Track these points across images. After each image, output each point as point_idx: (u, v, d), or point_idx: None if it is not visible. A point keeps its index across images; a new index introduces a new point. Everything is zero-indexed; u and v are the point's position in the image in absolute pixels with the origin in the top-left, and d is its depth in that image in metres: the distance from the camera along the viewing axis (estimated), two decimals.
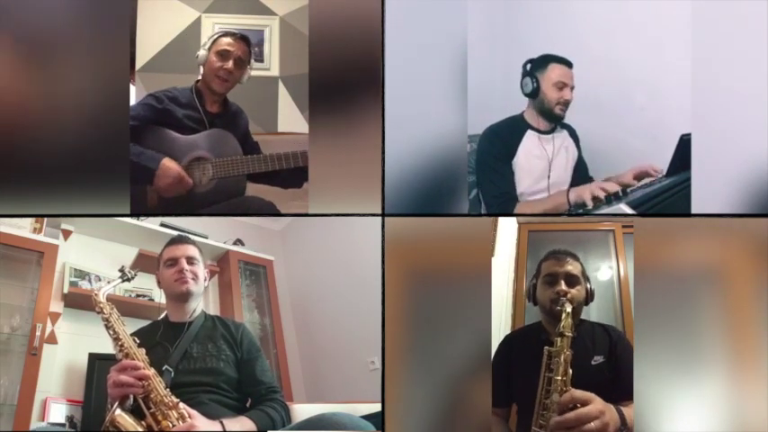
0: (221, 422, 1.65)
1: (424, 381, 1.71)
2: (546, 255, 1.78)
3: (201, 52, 1.82)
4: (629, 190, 1.80)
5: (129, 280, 1.82)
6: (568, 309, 1.67)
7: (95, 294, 1.74)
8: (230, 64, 1.82)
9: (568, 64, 1.82)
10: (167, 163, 1.78)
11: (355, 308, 1.91)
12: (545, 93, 1.83)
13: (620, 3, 1.81)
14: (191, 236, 1.91)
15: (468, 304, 1.72)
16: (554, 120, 1.86)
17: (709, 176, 1.73)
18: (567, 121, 1.87)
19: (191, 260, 1.84)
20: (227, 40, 1.82)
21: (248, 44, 1.83)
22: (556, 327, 1.68)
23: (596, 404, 1.56)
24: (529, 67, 1.82)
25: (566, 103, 1.84)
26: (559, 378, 1.61)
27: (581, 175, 1.86)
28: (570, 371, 1.62)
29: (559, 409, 1.59)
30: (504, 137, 1.85)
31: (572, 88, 1.83)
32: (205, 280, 1.88)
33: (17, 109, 1.73)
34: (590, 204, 1.77)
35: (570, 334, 1.65)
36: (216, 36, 1.82)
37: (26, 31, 1.73)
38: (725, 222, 1.72)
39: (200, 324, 1.82)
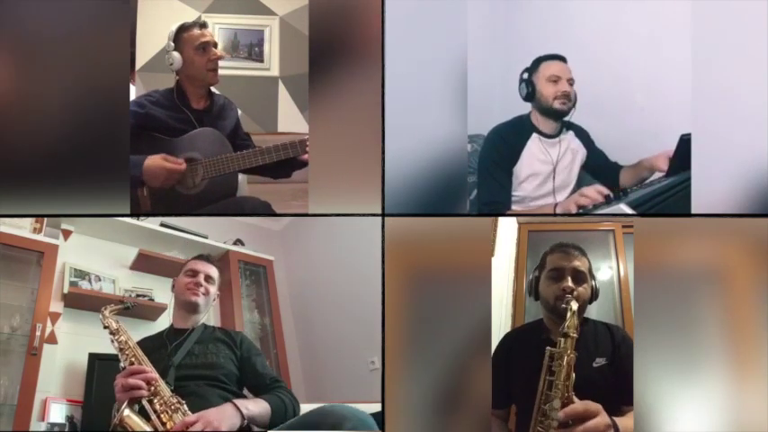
0: (234, 403, 1.65)
1: (424, 381, 1.71)
2: (552, 247, 1.74)
3: (175, 55, 1.78)
4: (629, 189, 1.80)
5: (128, 308, 1.87)
6: (574, 307, 1.61)
7: (103, 311, 1.79)
8: (216, 52, 1.80)
9: (561, 59, 1.81)
10: (149, 163, 1.76)
11: (355, 308, 1.91)
12: (540, 91, 1.82)
13: (619, 3, 1.81)
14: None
15: (468, 304, 1.71)
16: (558, 116, 1.84)
17: (710, 176, 1.73)
18: (566, 119, 1.87)
19: (208, 278, 1.92)
20: (196, 32, 1.80)
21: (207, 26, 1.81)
22: (559, 325, 1.65)
23: (603, 417, 1.50)
24: (525, 75, 1.82)
25: (565, 96, 1.81)
26: (561, 383, 1.56)
27: (600, 163, 1.86)
28: (573, 375, 1.57)
29: (561, 423, 1.52)
30: (509, 140, 1.84)
31: (570, 82, 1.81)
32: (214, 300, 1.95)
33: (17, 109, 1.73)
34: (575, 210, 1.77)
35: (575, 335, 1.59)
36: (178, 34, 1.79)
37: (26, 31, 1.73)
38: (725, 222, 1.72)
39: (201, 330, 1.88)
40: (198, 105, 1.84)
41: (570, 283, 1.67)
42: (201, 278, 1.90)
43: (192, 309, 1.88)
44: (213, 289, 1.93)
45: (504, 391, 1.70)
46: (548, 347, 1.61)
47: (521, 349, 1.71)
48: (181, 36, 1.79)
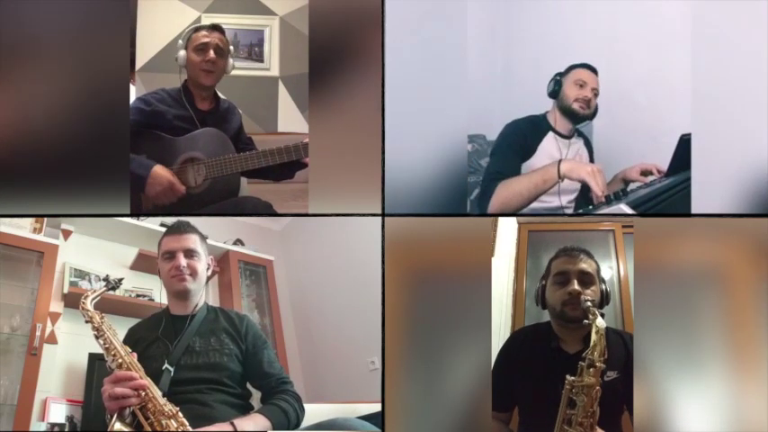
0: (232, 423, 1.60)
1: (424, 381, 1.71)
2: (557, 252, 1.70)
3: (181, 53, 1.81)
4: (629, 188, 1.81)
5: (114, 288, 1.78)
6: (601, 325, 1.45)
7: (83, 303, 1.69)
8: (211, 54, 1.81)
9: (592, 69, 1.83)
10: (158, 170, 1.76)
11: (355, 308, 1.91)
12: (565, 91, 1.83)
13: (620, 4, 1.81)
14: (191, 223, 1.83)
15: (468, 304, 1.71)
16: (574, 118, 1.85)
17: (709, 176, 1.73)
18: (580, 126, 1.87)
19: (189, 253, 1.77)
20: (202, 32, 1.81)
21: (222, 32, 1.82)
22: (568, 330, 1.63)
23: None
24: (558, 76, 1.84)
25: (585, 101, 1.82)
26: (585, 420, 1.44)
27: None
28: (597, 410, 1.43)
29: None
30: (527, 133, 1.84)
31: (595, 92, 1.83)
32: (208, 269, 1.81)
33: (17, 109, 1.73)
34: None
35: (602, 364, 1.44)
36: (189, 33, 1.81)
37: (26, 31, 1.73)
38: (725, 222, 1.72)
39: (202, 317, 1.77)
40: (202, 106, 1.85)
41: (577, 287, 1.61)
42: (181, 258, 1.75)
43: (184, 295, 1.77)
44: (200, 264, 1.77)
45: (506, 392, 1.68)
46: (568, 378, 1.52)
47: (529, 352, 1.68)
48: (191, 36, 1.81)
